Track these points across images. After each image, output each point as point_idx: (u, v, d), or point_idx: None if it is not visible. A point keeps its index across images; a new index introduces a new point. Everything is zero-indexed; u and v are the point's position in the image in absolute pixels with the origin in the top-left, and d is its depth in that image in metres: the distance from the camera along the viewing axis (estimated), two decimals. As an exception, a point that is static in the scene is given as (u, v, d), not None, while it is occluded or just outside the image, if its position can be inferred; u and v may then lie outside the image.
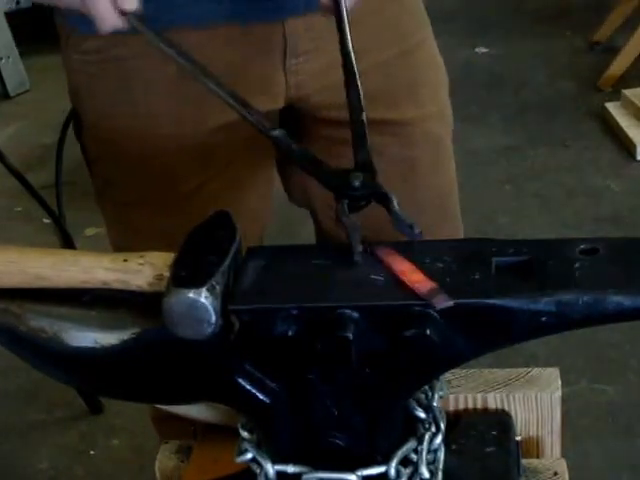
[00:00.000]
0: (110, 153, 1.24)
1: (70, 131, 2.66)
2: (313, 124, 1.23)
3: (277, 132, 0.89)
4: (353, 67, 0.93)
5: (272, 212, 1.34)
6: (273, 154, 1.25)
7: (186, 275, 0.75)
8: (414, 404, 0.83)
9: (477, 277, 0.75)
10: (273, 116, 1.18)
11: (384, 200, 0.82)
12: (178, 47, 0.92)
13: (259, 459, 0.82)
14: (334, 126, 1.18)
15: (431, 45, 1.30)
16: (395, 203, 0.81)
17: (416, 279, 0.75)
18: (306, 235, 1.83)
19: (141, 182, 1.21)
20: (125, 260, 0.79)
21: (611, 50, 3.59)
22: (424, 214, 1.29)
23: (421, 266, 0.76)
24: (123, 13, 0.93)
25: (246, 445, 0.83)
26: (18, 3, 4.27)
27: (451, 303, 0.72)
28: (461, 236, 1.40)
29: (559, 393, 0.99)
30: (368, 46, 1.14)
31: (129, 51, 1.13)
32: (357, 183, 0.83)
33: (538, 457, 0.99)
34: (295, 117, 1.22)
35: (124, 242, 1.28)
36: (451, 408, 0.99)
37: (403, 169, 1.25)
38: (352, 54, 0.94)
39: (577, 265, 0.74)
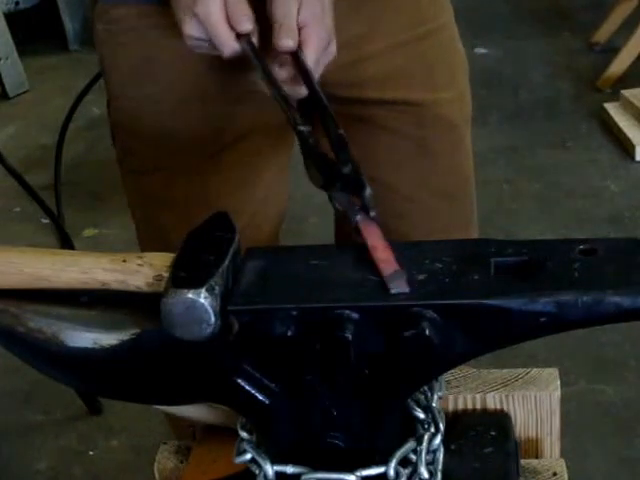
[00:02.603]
0: (131, 122, 1.24)
1: (69, 131, 2.66)
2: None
3: (304, 128, 0.90)
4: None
5: (288, 196, 1.35)
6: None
7: (185, 276, 0.75)
8: (413, 404, 0.83)
9: (476, 277, 0.75)
10: None
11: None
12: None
13: (258, 459, 0.82)
14: (343, 104, 1.18)
15: (451, 30, 1.30)
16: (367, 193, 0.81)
17: (383, 257, 0.76)
18: (306, 235, 1.83)
19: (161, 150, 1.22)
20: (124, 261, 0.79)
21: (610, 50, 3.60)
22: (437, 196, 1.30)
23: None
24: (239, 36, 0.95)
25: (245, 445, 0.83)
26: (17, 4, 4.27)
27: (406, 289, 0.73)
28: (475, 224, 1.40)
29: (558, 393, 0.99)
30: (386, 28, 1.14)
31: (153, 21, 1.14)
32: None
33: (537, 457, 0.99)
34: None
35: (144, 211, 1.28)
36: (450, 408, 0.99)
37: (418, 148, 1.26)
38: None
39: (576, 265, 0.74)
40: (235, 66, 1.01)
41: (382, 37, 1.12)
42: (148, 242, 1.30)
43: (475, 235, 1.42)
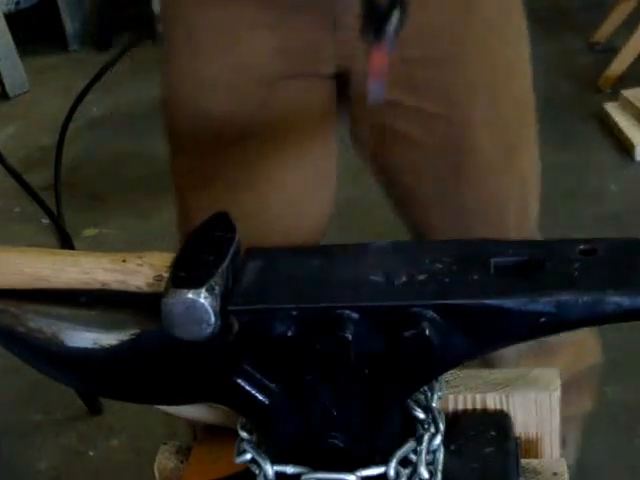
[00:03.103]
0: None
1: (69, 131, 2.67)
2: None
3: None
4: None
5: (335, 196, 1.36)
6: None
7: (185, 276, 0.75)
8: (413, 404, 0.83)
9: (476, 277, 0.75)
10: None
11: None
12: None
13: (258, 460, 0.82)
14: None
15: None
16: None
17: (378, 63, 0.79)
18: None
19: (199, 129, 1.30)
20: (124, 261, 0.79)
21: (610, 51, 3.59)
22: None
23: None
24: None
25: (245, 446, 0.83)
26: (17, 4, 4.27)
27: (380, 99, 0.75)
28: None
29: (558, 393, 0.99)
30: None
31: None
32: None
33: (537, 457, 0.99)
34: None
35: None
36: (450, 409, 0.99)
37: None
38: None
39: (576, 265, 0.74)
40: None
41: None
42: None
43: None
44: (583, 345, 1.59)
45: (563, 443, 1.42)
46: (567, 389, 1.06)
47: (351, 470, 0.79)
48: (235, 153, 1.26)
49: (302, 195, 1.31)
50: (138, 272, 0.78)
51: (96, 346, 0.79)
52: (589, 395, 1.69)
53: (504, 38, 1.31)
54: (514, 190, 1.43)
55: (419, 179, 1.33)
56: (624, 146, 3.08)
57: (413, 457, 0.81)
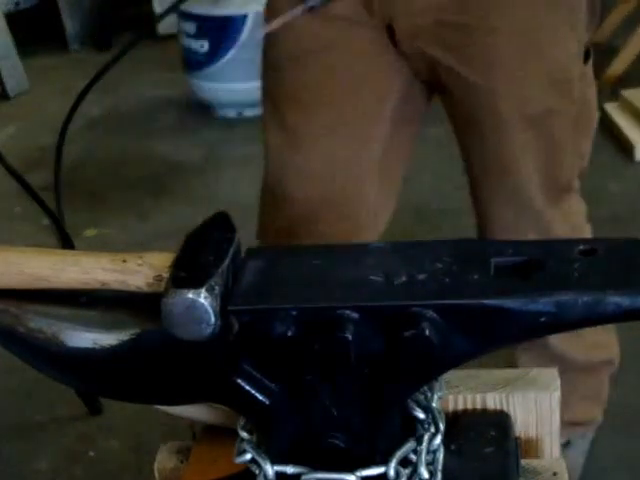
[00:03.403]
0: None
1: (69, 131, 2.67)
2: None
3: None
4: None
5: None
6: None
7: (185, 276, 0.75)
8: (413, 404, 0.83)
9: (476, 277, 0.75)
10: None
11: None
12: None
13: (258, 460, 0.82)
14: None
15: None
16: None
17: None
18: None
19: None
20: (124, 261, 0.79)
21: (610, 51, 3.59)
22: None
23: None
24: None
25: (245, 446, 0.83)
26: (17, 4, 4.28)
27: (279, 23, 0.85)
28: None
29: (558, 394, 0.99)
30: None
31: None
32: None
33: (537, 457, 0.99)
34: None
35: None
36: (450, 409, 0.99)
37: None
38: None
39: (576, 265, 0.74)
40: None
41: None
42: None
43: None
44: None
45: (568, 444, 1.43)
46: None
47: (351, 470, 0.79)
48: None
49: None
50: (138, 272, 0.78)
51: (96, 346, 0.79)
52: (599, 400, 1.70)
53: (538, 17, 1.35)
54: (540, 157, 1.44)
55: (458, 129, 1.47)
56: (624, 146, 3.08)
57: (413, 457, 0.81)
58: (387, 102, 1.43)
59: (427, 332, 0.72)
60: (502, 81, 1.37)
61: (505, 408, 0.98)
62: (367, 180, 1.45)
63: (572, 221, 1.58)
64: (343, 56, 1.40)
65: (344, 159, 1.42)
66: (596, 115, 1.52)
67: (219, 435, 0.98)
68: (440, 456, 0.83)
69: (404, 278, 0.76)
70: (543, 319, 0.72)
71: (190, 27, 3.45)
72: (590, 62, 1.44)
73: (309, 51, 1.39)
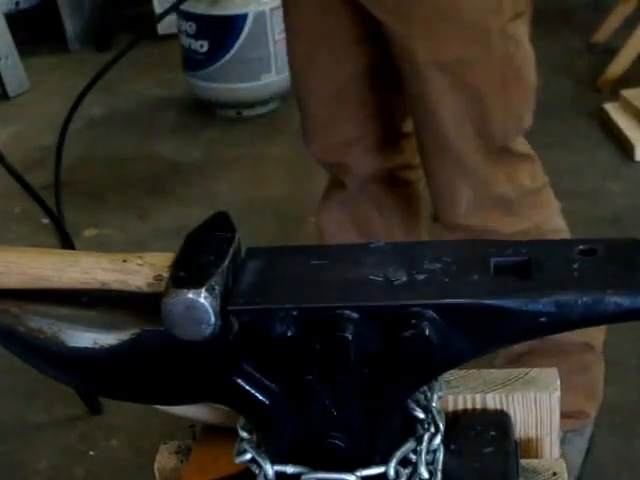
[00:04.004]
0: None
1: (69, 131, 2.67)
2: None
3: None
4: None
5: None
6: None
7: (185, 276, 0.75)
8: (413, 404, 0.83)
9: (476, 277, 0.75)
10: None
11: None
12: None
13: (258, 459, 0.82)
14: None
15: None
16: None
17: None
18: (306, 235, 1.83)
19: None
20: (124, 261, 0.79)
21: (610, 51, 3.59)
22: None
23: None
24: None
25: (245, 445, 0.83)
26: (17, 4, 4.27)
27: None
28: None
29: (558, 393, 0.99)
30: None
31: None
32: None
33: (537, 457, 0.99)
34: None
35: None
36: (450, 408, 0.99)
37: None
38: None
39: (576, 265, 0.74)
40: None
41: None
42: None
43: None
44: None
45: (562, 441, 1.43)
46: None
47: (351, 470, 0.79)
48: None
49: None
50: (138, 272, 0.78)
51: (96, 346, 0.79)
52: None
53: None
54: (461, 108, 1.46)
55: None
56: (624, 146, 3.08)
57: (413, 457, 0.81)
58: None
59: (427, 332, 0.72)
60: (416, 27, 1.42)
61: (505, 408, 0.99)
62: None
63: (521, 185, 1.57)
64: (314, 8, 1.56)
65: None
66: (532, 78, 1.54)
67: (219, 435, 0.98)
68: (440, 456, 0.83)
69: (404, 278, 0.76)
70: (543, 319, 0.72)
71: (190, 27, 3.44)
72: (520, 23, 1.45)
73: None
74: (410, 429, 0.82)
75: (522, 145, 1.58)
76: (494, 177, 1.54)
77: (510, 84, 1.49)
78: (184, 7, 3.32)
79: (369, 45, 1.55)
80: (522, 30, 1.48)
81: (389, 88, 1.60)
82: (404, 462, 0.81)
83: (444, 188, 1.55)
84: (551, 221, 1.64)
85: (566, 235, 1.65)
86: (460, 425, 0.96)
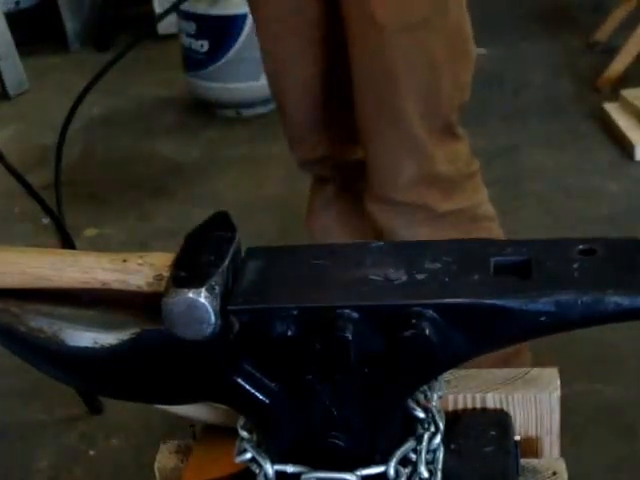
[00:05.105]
0: None
1: (70, 131, 2.66)
2: None
3: None
4: None
5: None
6: None
7: (185, 275, 0.75)
8: (413, 404, 0.83)
9: (476, 277, 0.75)
10: None
11: None
12: None
13: (258, 459, 0.82)
14: None
15: None
16: None
17: None
18: (306, 235, 1.83)
19: None
20: (124, 260, 0.79)
21: (610, 51, 3.59)
22: None
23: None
24: None
25: (245, 445, 0.83)
26: (17, 4, 4.27)
27: None
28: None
29: (558, 393, 0.99)
30: None
31: None
32: None
33: (537, 457, 0.99)
34: None
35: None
36: (450, 408, 0.99)
37: None
38: None
39: (576, 265, 0.74)
40: None
41: None
42: None
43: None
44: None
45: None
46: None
47: (351, 469, 0.79)
48: None
49: None
50: (139, 272, 0.78)
51: (96, 345, 0.79)
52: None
53: None
54: (419, 76, 1.46)
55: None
56: (624, 146, 3.08)
57: (413, 456, 0.81)
58: None
59: (427, 332, 0.72)
60: None
61: (505, 407, 0.99)
62: None
63: (459, 167, 1.57)
64: None
65: None
66: (473, 51, 1.57)
67: (219, 435, 0.98)
68: (440, 455, 0.83)
69: (404, 278, 0.76)
70: (543, 319, 0.72)
71: (190, 27, 3.44)
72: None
73: None
74: (410, 429, 0.82)
75: (459, 128, 1.59)
76: (437, 155, 1.53)
77: (458, 53, 1.51)
78: (184, 7, 3.32)
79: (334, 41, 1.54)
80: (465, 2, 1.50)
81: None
82: (404, 461, 0.81)
83: (388, 162, 1.53)
84: (483, 206, 1.64)
85: (496, 223, 1.65)
86: (460, 424, 0.96)
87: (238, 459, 0.84)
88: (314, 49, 1.56)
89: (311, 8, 1.52)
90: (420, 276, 0.76)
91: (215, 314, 0.73)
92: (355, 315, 0.74)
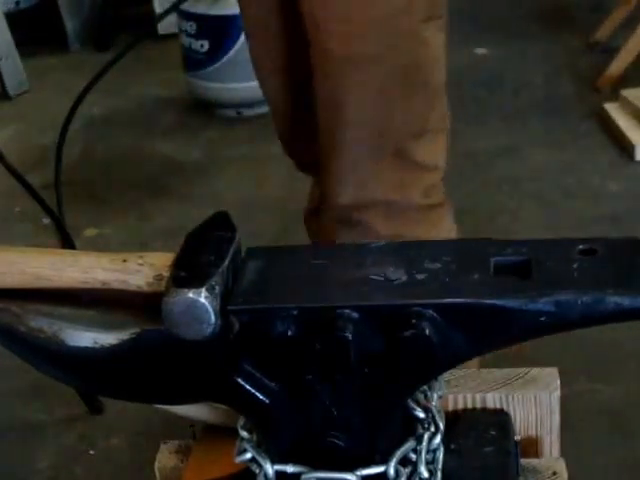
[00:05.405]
0: None
1: (70, 131, 2.67)
2: None
3: None
4: None
5: None
6: None
7: (186, 275, 0.75)
8: (413, 404, 0.83)
9: (476, 277, 0.75)
10: None
11: None
12: None
13: (258, 459, 0.82)
14: None
15: None
16: None
17: None
18: (306, 235, 1.83)
19: None
20: (124, 260, 0.79)
21: (610, 51, 3.59)
22: None
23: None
24: None
25: (245, 445, 0.83)
26: (17, 4, 4.27)
27: None
28: None
29: (558, 393, 0.99)
30: None
31: None
32: None
33: (537, 457, 0.99)
34: None
35: None
36: (450, 408, 0.99)
37: None
38: None
39: (576, 265, 0.74)
40: None
41: None
42: None
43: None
44: None
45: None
46: None
47: (351, 469, 0.79)
48: None
49: None
50: (139, 272, 0.79)
51: (96, 345, 0.79)
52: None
53: None
54: (365, 107, 1.45)
55: None
56: (624, 146, 3.08)
57: (413, 456, 0.81)
58: None
59: (427, 332, 0.72)
60: (327, 18, 1.39)
61: (505, 407, 0.99)
62: None
63: (410, 196, 1.51)
64: None
65: None
66: (439, 81, 1.49)
67: (219, 435, 0.98)
68: (440, 455, 0.83)
69: (404, 278, 0.76)
70: (543, 319, 0.72)
71: (190, 27, 3.44)
72: (432, 26, 1.43)
73: None
74: (410, 428, 0.82)
75: (425, 155, 1.52)
76: (382, 182, 1.49)
77: (414, 87, 1.46)
78: (184, 7, 3.32)
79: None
80: (434, 33, 1.44)
81: None
82: (404, 461, 0.81)
83: (330, 182, 1.51)
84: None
85: None
86: (460, 424, 0.96)
87: (238, 459, 0.84)
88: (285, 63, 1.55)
89: (275, 23, 1.51)
90: (420, 276, 0.76)
91: (215, 314, 0.73)
92: (355, 315, 0.74)
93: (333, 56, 1.42)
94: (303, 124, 1.55)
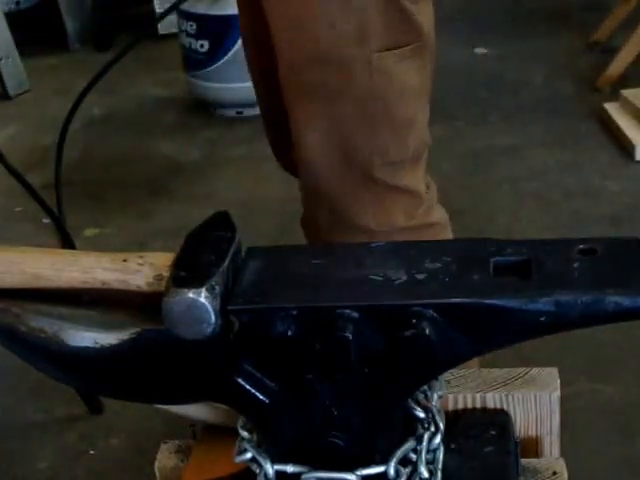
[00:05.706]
0: None
1: (70, 131, 2.66)
2: None
3: None
4: None
5: None
6: None
7: (186, 275, 0.75)
8: (413, 404, 0.83)
9: (476, 277, 0.75)
10: None
11: None
12: None
13: (258, 459, 0.82)
14: None
15: None
16: None
17: None
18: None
19: None
20: (125, 260, 0.79)
21: (610, 50, 3.60)
22: None
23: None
24: None
25: (245, 445, 0.83)
26: (18, 4, 4.27)
27: None
28: None
29: (558, 393, 0.99)
30: None
31: None
32: None
33: (537, 457, 0.99)
34: None
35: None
36: (450, 408, 0.99)
37: None
38: None
39: (576, 265, 0.74)
40: None
41: None
42: None
43: None
44: None
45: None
46: None
47: (351, 469, 0.79)
48: None
49: None
50: (139, 271, 0.79)
51: (97, 345, 0.79)
52: None
53: None
54: (326, 135, 1.41)
55: None
56: (624, 146, 3.08)
57: (413, 456, 0.81)
58: None
59: (427, 331, 0.72)
60: (285, 52, 1.37)
61: (505, 407, 0.99)
62: None
63: (390, 220, 1.46)
64: None
65: None
66: (407, 113, 1.42)
67: (219, 435, 0.98)
68: (440, 455, 0.83)
69: (404, 278, 0.76)
70: (543, 319, 0.72)
71: (190, 27, 3.45)
72: (394, 56, 1.36)
73: None
74: (410, 428, 0.82)
75: (402, 179, 1.46)
76: (356, 208, 1.45)
77: (376, 117, 1.40)
78: (184, 7, 3.33)
79: None
80: (396, 63, 1.38)
81: None
82: (404, 461, 0.81)
83: (307, 207, 1.50)
84: None
85: None
86: (460, 424, 0.96)
87: (238, 459, 0.84)
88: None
89: (261, 30, 1.50)
90: (420, 276, 0.76)
91: (215, 314, 0.73)
92: (355, 315, 0.74)
93: (288, 82, 1.39)
94: (288, 130, 1.53)
